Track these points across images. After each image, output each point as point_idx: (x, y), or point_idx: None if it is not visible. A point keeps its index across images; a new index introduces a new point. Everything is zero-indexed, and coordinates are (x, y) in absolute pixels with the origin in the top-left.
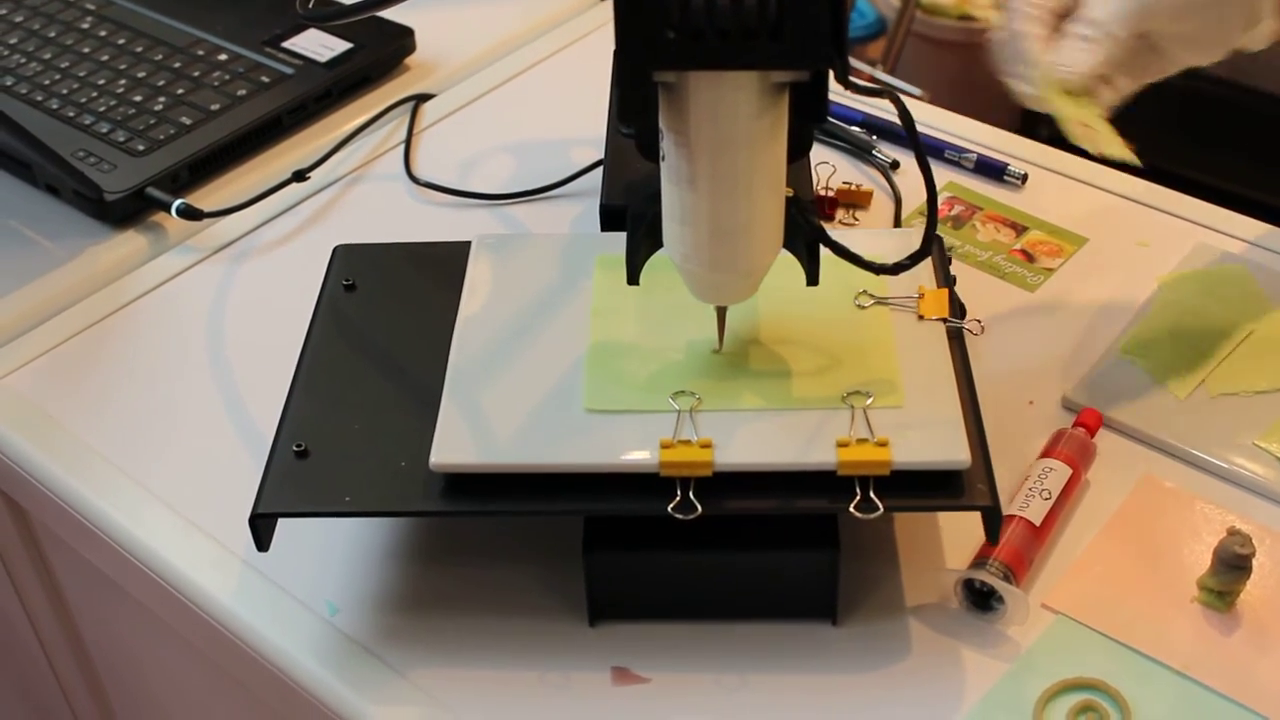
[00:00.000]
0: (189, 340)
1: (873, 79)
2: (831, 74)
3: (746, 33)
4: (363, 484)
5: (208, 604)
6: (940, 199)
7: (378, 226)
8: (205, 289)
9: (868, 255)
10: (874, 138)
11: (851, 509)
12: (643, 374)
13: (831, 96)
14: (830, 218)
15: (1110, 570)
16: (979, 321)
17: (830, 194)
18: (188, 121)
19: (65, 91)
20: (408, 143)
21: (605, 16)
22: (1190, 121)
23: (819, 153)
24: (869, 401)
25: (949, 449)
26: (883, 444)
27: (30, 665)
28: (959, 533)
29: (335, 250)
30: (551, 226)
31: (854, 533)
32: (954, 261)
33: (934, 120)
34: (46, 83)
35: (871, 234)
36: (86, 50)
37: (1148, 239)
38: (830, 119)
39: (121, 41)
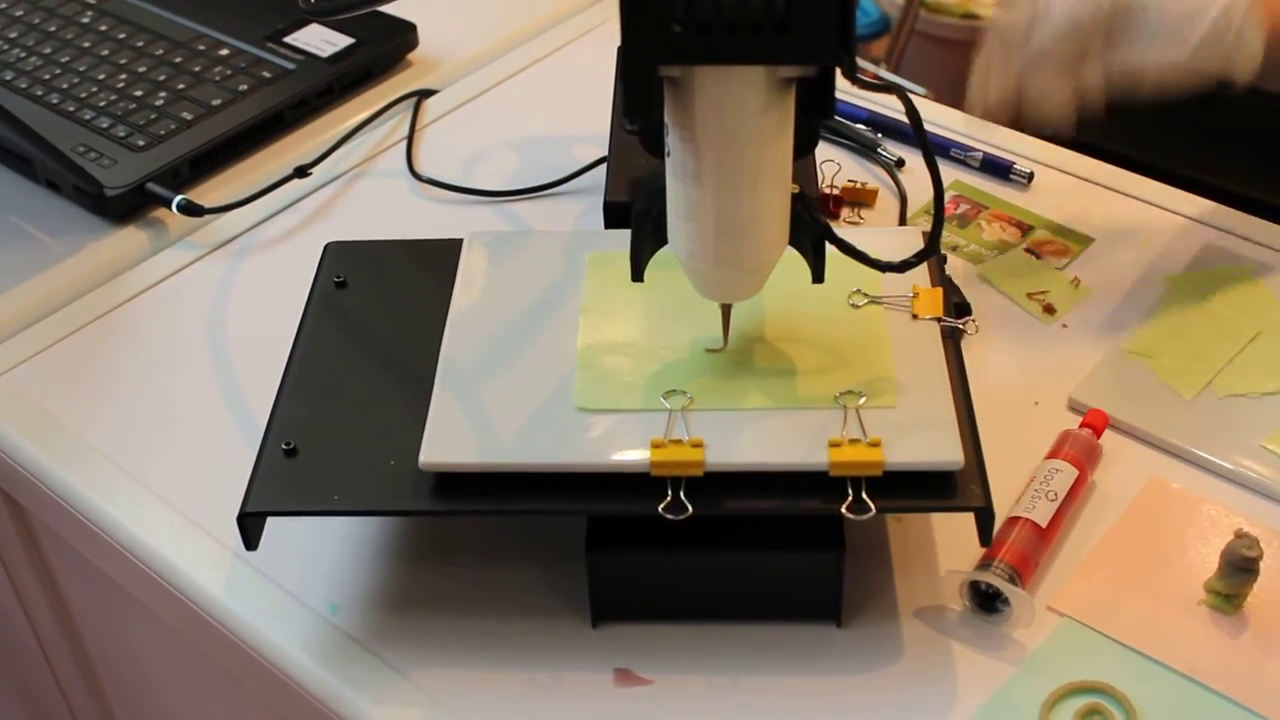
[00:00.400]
0: (189, 337)
1: (878, 76)
2: (838, 70)
3: (753, 27)
4: (352, 483)
5: (207, 603)
6: (946, 197)
7: (379, 223)
8: (206, 285)
9: (870, 254)
10: (879, 135)
11: (844, 510)
12: (634, 373)
13: (837, 94)
14: (835, 216)
15: (1116, 572)
16: (973, 321)
17: (835, 192)
18: (189, 117)
19: (66, 86)
20: (410, 139)
21: (610, 11)
22: (1198, 122)
23: (824, 150)
24: (862, 401)
25: (942, 449)
26: (875, 444)
27: (29, 664)
28: (964, 534)
29: (327, 247)
30: (555, 223)
31: (859, 533)
32: (959, 261)
33: (939, 118)
34: (47, 77)
35: (872, 232)
36: (87, 45)
37: (1155, 239)
38: (835, 116)
39: (122, 36)
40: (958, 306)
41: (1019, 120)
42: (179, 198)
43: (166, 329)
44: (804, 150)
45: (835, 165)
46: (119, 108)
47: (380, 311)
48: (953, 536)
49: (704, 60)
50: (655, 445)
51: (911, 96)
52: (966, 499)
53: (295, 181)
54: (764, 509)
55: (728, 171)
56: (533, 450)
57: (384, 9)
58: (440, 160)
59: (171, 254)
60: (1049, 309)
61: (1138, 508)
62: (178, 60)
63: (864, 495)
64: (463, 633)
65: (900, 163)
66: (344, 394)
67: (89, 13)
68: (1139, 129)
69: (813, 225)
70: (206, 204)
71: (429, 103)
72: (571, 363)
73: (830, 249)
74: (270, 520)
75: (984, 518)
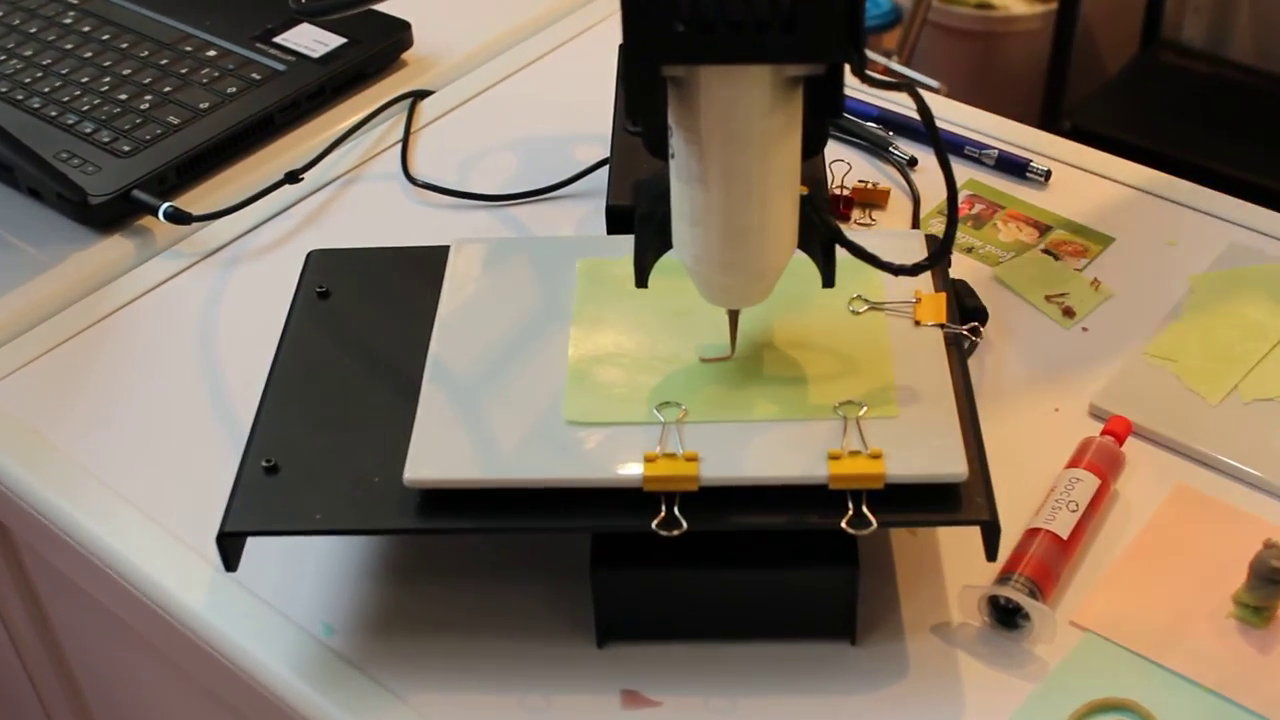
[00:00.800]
0: (177, 349)
1: (888, 71)
2: (847, 67)
3: (759, 25)
4: (334, 501)
5: (196, 624)
6: (960, 197)
7: (373, 229)
8: (194, 296)
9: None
10: (891, 134)
11: (844, 524)
12: (627, 384)
13: (847, 91)
14: (846, 218)
15: (1141, 585)
16: (978, 326)
17: (846, 193)
18: (175, 121)
19: (47, 90)
20: (405, 142)
21: (611, 9)
22: (1217, 112)
23: (834, 150)
24: (862, 412)
25: (945, 461)
26: (876, 456)
27: (13, 687)
28: (975, 543)
29: (309, 256)
30: (555, 228)
31: (873, 548)
32: (975, 263)
33: (953, 115)
34: (27, 80)
35: (874, 235)
36: (69, 46)
37: (1177, 238)
38: (845, 115)
39: (106, 37)
40: (973, 311)
41: None
42: (166, 205)
43: (153, 341)
44: (813, 150)
45: (845, 165)
46: (103, 112)
47: (364, 322)
48: (969, 549)
49: (708, 60)
50: (648, 459)
51: (923, 92)
52: (971, 512)
53: (286, 187)
54: (762, 524)
55: (734, 174)
56: (521, 465)
57: (377, 7)
58: (436, 164)
59: (158, 263)
60: (1068, 312)
61: (1162, 517)
62: (163, 62)
63: (864, 509)
64: (463, 654)
65: (913, 161)
66: (327, 409)
67: (71, 13)
68: (1152, 119)
69: (822, 228)
70: (194, 211)
71: (424, 104)
72: (561, 374)
73: (839, 253)
74: (259, 539)
75: (989, 531)
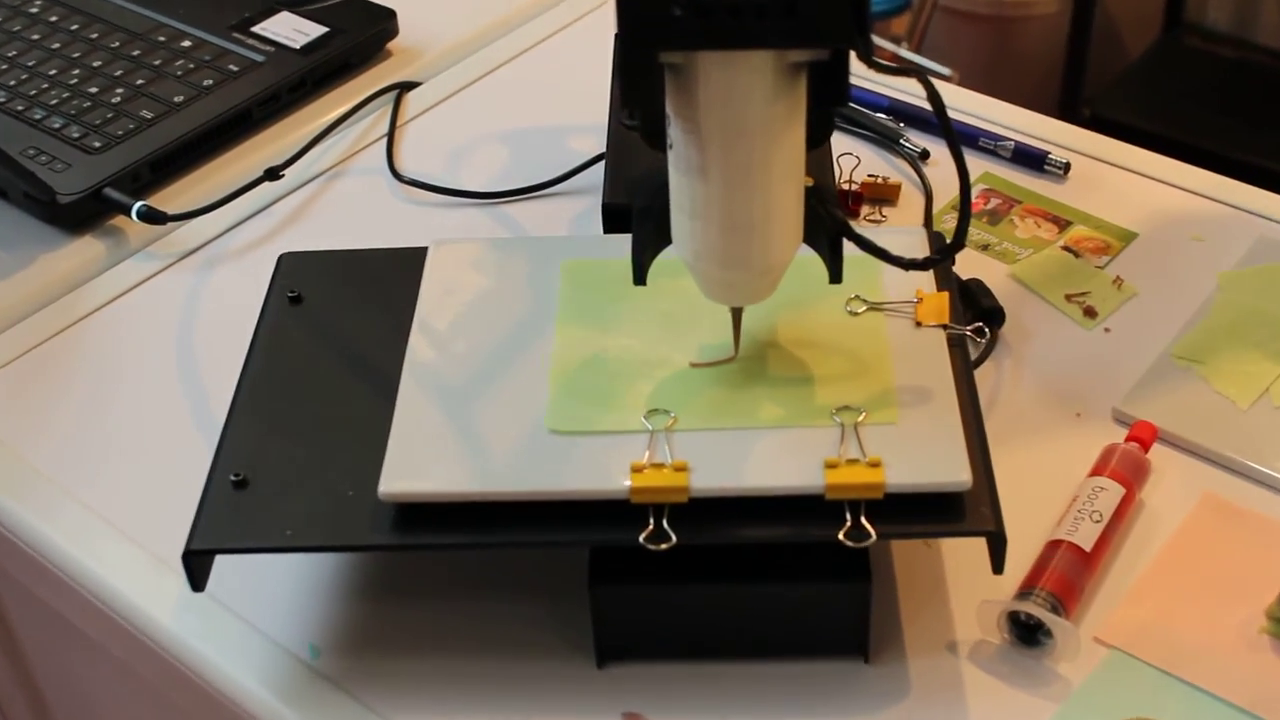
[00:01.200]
0: (152, 356)
1: (897, 58)
2: (853, 53)
3: (759, 8)
4: (306, 516)
5: (173, 644)
6: (974, 191)
7: (357, 229)
8: (169, 299)
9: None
10: (901, 125)
11: (841, 537)
12: (612, 391)
13: (854, 79)
14: (855, 214)
15: (1168, 599)
16: (982, 326)
17: (854, 188)
18: (149, 115)
19: (13, 83)
20: (390, 136)
21: None
22: (1244, 98)
23: (841, 143)
24: (861, 418)
25: (948, 469)
26: (875, 464)
27: None
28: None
29: (280, 259)
30: (549, 227)
31: (886, 561)
32: (990, 261)
33: (966, 104)
34: None
35: (874, 233)
36: (36, 37)
37: (1204, 233)
38: (852, 104)
39: (75, 27)
40: (990, 311)
41: None
42: (139, 204)
43: (126, 348)
44: (818, 140)
45: (854, 159)
46: (72, 106)
47: (338, 328)
48: (979, 561)
49: (707, 45)
50: (635, 470)
51: (934, 80)
52: (975, 522)
53: (266, 185)
54: (755, 537)
55: (735, 165)
56: (501, 477)
57: None
58: (423, 159)
59: (131, 266)
60: (1089, 312)
61: (1190, 528)
62: (135, 53)
63: (863, 520)
64: (456, 676)
65: (925, 155)
66: (298, 419)
67: (38, 2)
68: (1172, 106)
69: (829, 221)
70: (169, 210)
71: (410, 96)
72: (544, 381)
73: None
74: (241, 555)
75: (995, 543)
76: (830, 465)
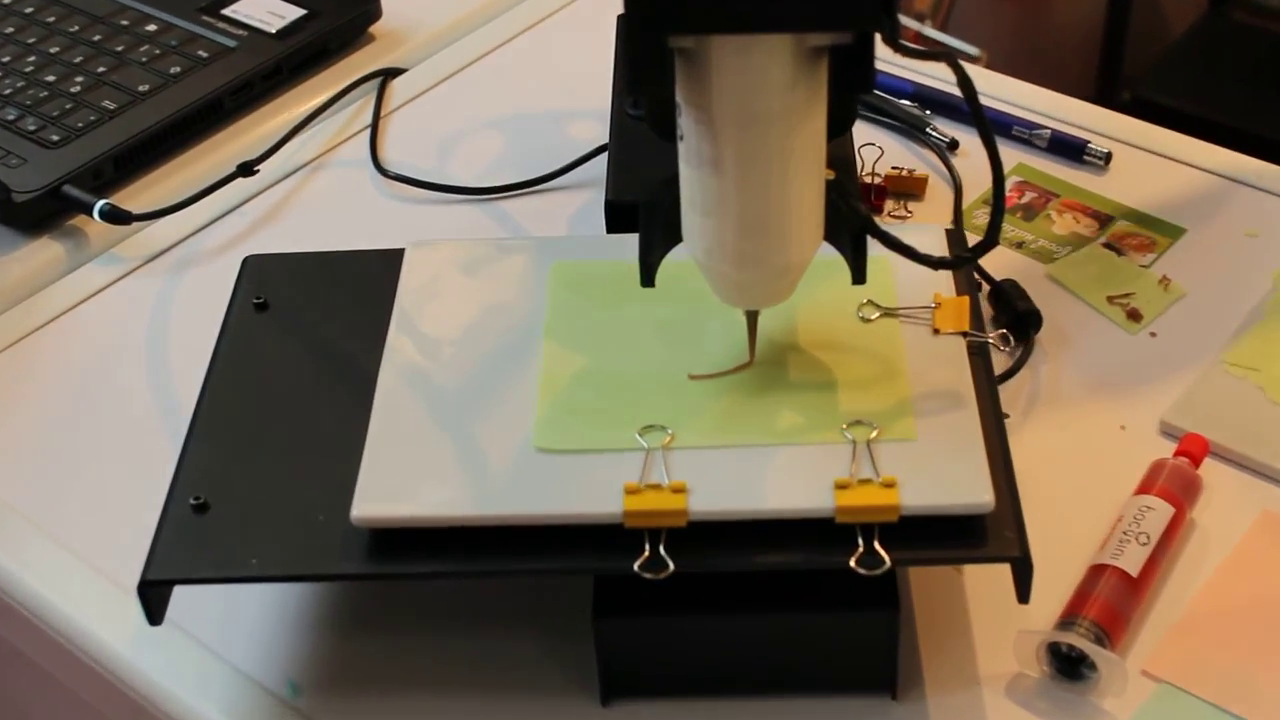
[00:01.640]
0: (115, 368)
1: (921, 39)
2: (878, 35)
3: None
4: (272, 543)
5: (135, 679)
6: (1008, 184)
7: (339, 229)
8: (135, 306)
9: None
10: (928, 113)
11: (852, 563)
12: (605, 405)
13: (877, 63)
14: (878, 209)
15: (1222, 628)
16: (1006, 334)
17: (877, 181)
18: (111, 106)
19: None
20: (374, 127)
21: None
22: None
23: (864, 133)
24: (874, 434)
25: (969, 490)
26: (890, 485)
27: None
28: (1037, 585)
29: (245, 262)
30: (546, 225)
31: (914, 587)
32: (1025, 259)
33: (997, 89)
34: None
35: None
36: None
37: (1258, 227)
38: (876, 91)
39: (29, 10)
40: (1025, 315)
41: None
42: (101, 203)
43: (88, 358)
44: (839, 130)
45: (877, 149)
46: (27, 96)
47: (307, 337)
48: (1037, 588)
49: (721, 29)
50: (630, 491)
51: (963, 63)
52: (999, 548)
53: (239, 181)
54: (759, 565)
55: (751, 157)
56: (484, 500)
57: None
58: (410, 152)
59: (93, 269)
60: (1134, 315)
61: (1246, 550)
62: (96, 38)
63: (876, 545)
64: (449, 715)
65: (954, 145)
66: (264, 437)
67: None
68: (1218, 87)
69: (851, 216)
70: (134, 209)
71: (395, 84)
72: (531, 395)
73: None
74: (209, 585)
75: (1021, 570)
76: (841, 486)
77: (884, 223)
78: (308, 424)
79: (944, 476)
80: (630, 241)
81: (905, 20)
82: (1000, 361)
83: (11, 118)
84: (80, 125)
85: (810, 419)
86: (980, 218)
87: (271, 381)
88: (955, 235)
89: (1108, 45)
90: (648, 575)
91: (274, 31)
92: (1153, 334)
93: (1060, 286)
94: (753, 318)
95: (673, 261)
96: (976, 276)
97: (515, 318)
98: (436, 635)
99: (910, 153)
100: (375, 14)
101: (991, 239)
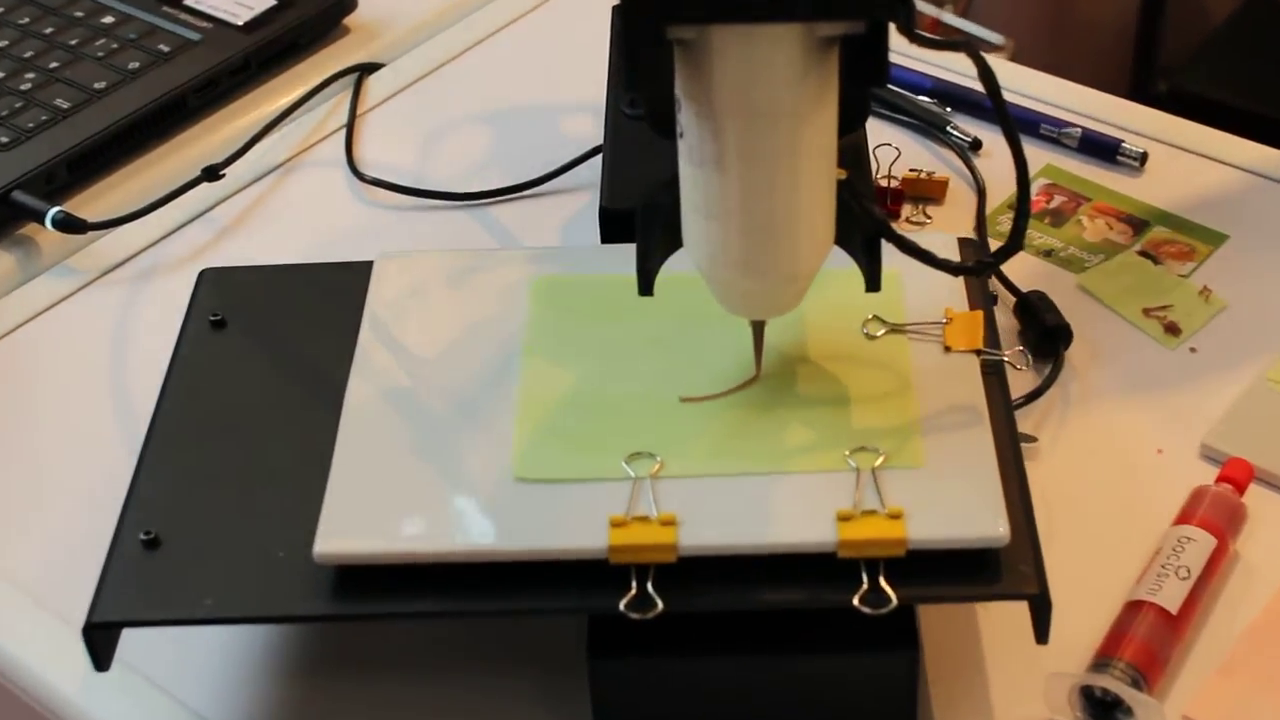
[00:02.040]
0: (70, 389)
1: (940, 27)
2: (893, 25)
3: None
4: (229, 581)
5: None
6: (1035, 187)
7: (312, 238)
8: (91, 322)
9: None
10: (948, 110)
11: (856, 601)
12: (588, 431)
13: (892, 54)
14: (895, 215)
15: (1270, 670)
16: (1023, 352)
17: (894, 184)
18: (65, 105)
19: None
20: (349, 128)
21: None
22: None
23: (879, 132)
24: (879, 460)
25: (982, 521)
26: (896, 516)
27: None
28: (1068, 624)
29: (201, 276)
30: (535, 234)
31: (934, 626)
32: (1054, 269)
33: (1024, 84)
34: None
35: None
36: None
37: None
38: (890, 86)
39: None
40: (1054, 329)
41: None
42: (54, 210)
43: (38, 378)
44: (852, 126)
45: (893, 150)
46: None
47: (268, 358)
48: (1066, 627)
49: (723, 18)
50: (615, 524)
51: (986, 55)
52: (1014, 584)
53: (204, 186)
54: (755, 603)
55: (756, 155)
56: (458, 534)
57: None
58: (389, 154)
59: (46, 282)
60: (1172, 328)
61: None
62: (49, 31)
63: (881, 582)
64: None
65: (976, 144)
66: (220, 467)
67: None
68: (1259, 79)
69: (865, 219)
70: (90, 217)
71: (372, 80)
72: (509, 420)
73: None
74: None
75: (1039, 608)
76: (843, 517)
77: (900, 229)
78: (268, 452)
79: (955, 507)
80: (619, 252)
81: (922, 6)
82: (1026, 380)
83: None
84: (31, 126)
85: (810, 445)
86: (1006, 224)
87: (229, 406)
88: (970, 244)
89: (1143, 33)
90: (634, 615)
91: (241, 24)
92: (1192, 349)
93: (1092, 298)
94: (759, 328)
95: (665, 274)
96: (1001, 287)
97: (493, 336)
98: (409, 679)
99: (929, 153)
100: (350, 5)
101: (1015, 243)
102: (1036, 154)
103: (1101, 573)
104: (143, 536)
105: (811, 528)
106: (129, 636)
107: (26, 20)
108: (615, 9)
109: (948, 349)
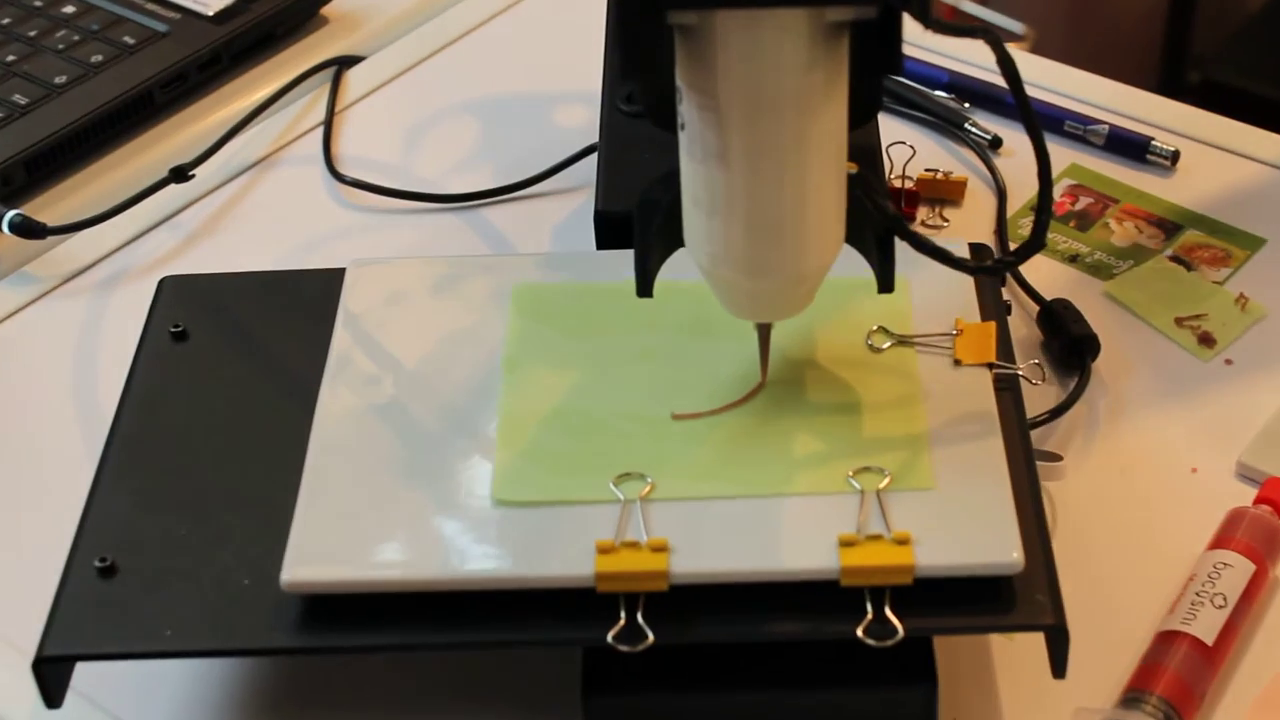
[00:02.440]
0: (27, 403)
1: (957, 14)
2: (906, 10)
3: None
4: (190, 612)
5: None
6: (1059, 188)
7: (287, 244)
8: (50, 333)
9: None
10: (966, 106)
11: (859, 633)
12: (574, 450)
13: (906, 43)
14: (910, 218)
15: None
16: (1039, 365)
17: (909, 185)
18: (22, 101)
19: None
20: (328, 125)
21: None
22: None
23: (893, 129)
24: (885, 482)
25: (994, 547)
26: (903, 541)
27: None
28: (1096, 656)
29: (161, 284)
30: (528, 238)
31: (946, 657)
32: (1079, 274)
33: (1047, 77)
34: None
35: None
36: None
37: None
38: (905, 80)
39: None
40: (1080, 341)
41: None
42: (11, 213)
43: None
44: (863, 118)
45: (908, 149)
46: None
47: (232, 372)
48: (1077, 655)
49: (727, 2)
50: (602, 550)
51: (1006, 44)
52: (1029, 614)
53: (171, 188)
54: (753, 634)
55: (762, 147)
56: (434, 562)
57: None
58: (370, 153)
59: (1, 290)
60: (1206, 339)
61: None
62: (5, 22)
63: (887, 611)
64: None
65: (996, 143)
66: (181, 489)
67: None
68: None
69: (877, 215)
70: (49, 221)
71: (352, 74)
72: (489, 438)
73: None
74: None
75: (1056, 640)
76: (846, 543)
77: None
78: (232, 473)
79: (966, 531)
80: (613, 259)
81: None
82: (1051, 395)
83: None
84: None
85: (811, 465)
86: (1028, 228)
87: (191, 423)
88: (983, 250)
89: (1174, 19)
90: (623, 648)
91: (212, 14)
92: (1228, 361)
93: (1120, 306)
94: (764, 332)
95: (656, 283)
96: (1024, 295)
97: (473, 349)
98: (383, 717)
99: (946, 153)
100: None
101: (1037, 241)
102: (1060, 153)
103: (1131, 601)
104: (98, 563)
105: (812, 554)
106: (88, 668)
107: None
108: None
109: (958, 362)
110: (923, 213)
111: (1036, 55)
